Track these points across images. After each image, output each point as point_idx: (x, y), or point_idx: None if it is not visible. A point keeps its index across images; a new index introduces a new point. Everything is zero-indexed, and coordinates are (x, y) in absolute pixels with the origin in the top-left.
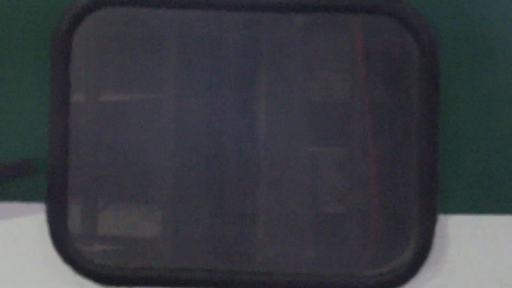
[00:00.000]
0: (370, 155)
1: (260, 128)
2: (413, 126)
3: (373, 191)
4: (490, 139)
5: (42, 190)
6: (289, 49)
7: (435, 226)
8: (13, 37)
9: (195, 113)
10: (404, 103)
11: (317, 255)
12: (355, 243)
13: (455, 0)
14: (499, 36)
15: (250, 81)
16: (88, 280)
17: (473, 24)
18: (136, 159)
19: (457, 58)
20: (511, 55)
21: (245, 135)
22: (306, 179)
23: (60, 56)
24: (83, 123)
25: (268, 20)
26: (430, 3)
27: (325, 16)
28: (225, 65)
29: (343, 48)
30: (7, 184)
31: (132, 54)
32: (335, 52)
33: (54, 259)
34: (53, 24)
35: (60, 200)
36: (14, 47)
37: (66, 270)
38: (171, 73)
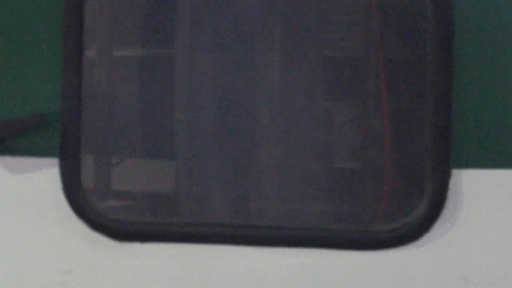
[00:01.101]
0: (384, 110)
1: (273, 83)
2: (427, 81)
3: (387, 146)
4: (504, 94)
5: (55, 145)
6: (303, 3)
7: (449, 180)
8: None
9: (209, 68)
10: (418, 59)
11: (331, 210)
12: (369, 198)
13: None
14: None
15: (263, 36)
16: (102, 235)
17: None
18: (149, 114)
19: (472, 13)
20: None
21: (259, 90)
22: (320, 134)
23: (73, 11)
24: (97, 78)
25: None
26: None
27: None
28: (238, 20)
29: (357, 2)
30: (20, 139)
31: (145, 8)
32: (349, 6)
33: (67, 214)
34: None
35: (73, 155)
36: (28, 2)
37: (79, 225)
38: (184, 28)
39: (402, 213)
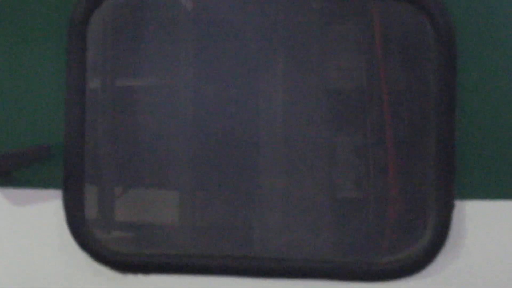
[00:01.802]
0: (388, 141)
1: (277, 114)
2: (431, 112)
3: (390, 177)
4: (507, 124)
5: (59, 176)
6: (307, 34)
7: (452, 212)
8: (30, 24)
9: (211, 98)
10: (421, 89)
11: (335, 241)
12: (372, 229)
13: None
14: None
15: (267, 67)
16: (105, 267)
17: (490, 8)
18: (152, 144)
19: (474, 43)
20: None
21: (263, 121)
22: (324, 165)
23: (76, 42)
24: (100, 108)
25: (285, 5)
26: None
27: (342, 1)
28: (242, 51)
29: (360, 33)
30: (25, 171)
31: (148, 39)
32: (352, 37)
33: (70, 245)
34: (70, 11)
35: (76, 186)
36: (32, 34)
37: (82, 257)
38: (187, 58)
39: (406, 244)
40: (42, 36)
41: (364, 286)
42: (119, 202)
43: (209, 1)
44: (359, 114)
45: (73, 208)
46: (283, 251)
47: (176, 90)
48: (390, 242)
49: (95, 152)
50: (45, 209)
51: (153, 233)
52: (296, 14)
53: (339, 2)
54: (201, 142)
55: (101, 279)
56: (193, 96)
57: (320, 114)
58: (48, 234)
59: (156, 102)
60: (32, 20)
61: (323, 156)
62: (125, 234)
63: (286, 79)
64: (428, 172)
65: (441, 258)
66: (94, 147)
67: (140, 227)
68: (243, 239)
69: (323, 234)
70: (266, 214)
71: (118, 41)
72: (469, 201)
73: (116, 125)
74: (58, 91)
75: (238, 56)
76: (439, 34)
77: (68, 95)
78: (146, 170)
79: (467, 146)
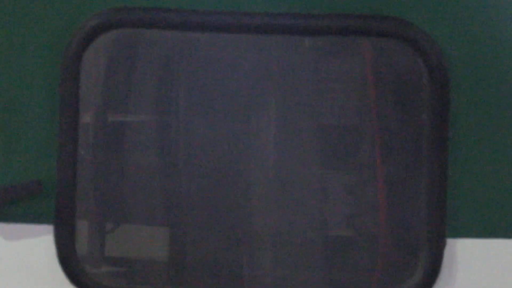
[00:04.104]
0: (379, 178)
1: (269, 150)
2: (423, 151)
3: (382, 214)
4: (499, 164)
5: (50, 211)
6: (299, 72)
7: (444, 249)
8: (23, 58)
9: (203, 135)
10: (413, 127)
11: (326, 278)
12: (364, 266)
13: (465, 23)
14: (509, 59)
15: (259, 103)
16: None
17: (483, 47)
18: (143, 180)
19: (467, 81)
20: None
21: (254, 158)
22: (315, 202)
23: (69, 77)
24: (92, 144)
25: (278, 43)
26: (440, 26)
27: (336, 39)
28: (234, 87)
29: (353, 70)
30: (16, 205)
31: (140, 75)
32: (345, 74)
33: (61, 280)
34: (63, 46)
35: (68, 222)
36: (25, 68)
37: None
38: (178, 94)
39: (397, 281)
40: (35, 71)
41: None
42: (110, 238)
43: (202, 39)
44: (351, 153)
45: (64, 243)
46: (276, 283)
47: (167, 127)
48: (381, 280)
49: (86, 188)
50: (36, 244)
51: (143, 268)
52: (290, 52)
53: (332, 40)
54: (191, 180)
55: None
56: (184, 133)
57: (312, 152)
58: (39, 269)
59: (147, 138)
60: (26, 55)
61: (314, 194)
62: (115, 269)
63: (279, 117)
64: (420, 210)
65: None
66: (86, 183)
67: (130, 262)
68: (233, 277)
69: (315, 271)
70: (257, 251)
71: (110, 76)
72: (460, 239)
73: (107, 161)
74: (51, 126)
75: (230, 94)
76: (433, 74)
77: (61, 130)
78: (137, 207)
79: (459, 184)
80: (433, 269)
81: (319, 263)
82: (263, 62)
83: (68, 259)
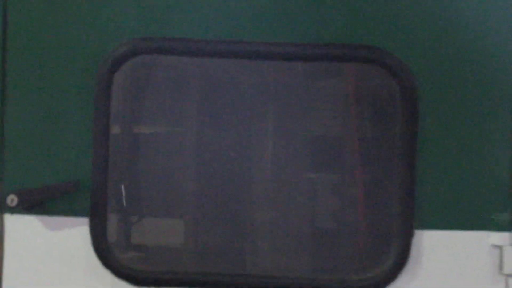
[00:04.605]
0: (358, 180)
1: (267, 157)
2: (395, 155)
3: (360, 210)
4: (460, 167)
5: (86, 206)
6: (293, 91)
7: (412, 239)
8: (64, 78)
9: (213, 144)
10: (387, 137)
11: (314, 262)
12: (345, 253)
13: (431, 50)
14: (469, 78)
15: (259, 118)
16: (124, 281)
17: (446, 69)
18: (163, 181)
19: (433, 97)
20: (478, 96)
21: (255, 163)
22: (305, 200)
23: (101, 95)
24: (120, 150)
25: (277, 66)
26: (411, 53)
27: (323, 64)
28: (239, 104)
29: (337, 90)
30: (58, 201)
31: (161, 93)
32: (330, 93)
33: (95, 264)
34: (97, 68)
35: (101, 215)
36: (65, 87)
37: (105, 274)
38: (193, 110)
39: (373, 265)
40: (74, 89)
41: None
42: (135, 228)
43: (212, 63)
44: (335, 158)
45: (97, 232)
46: (270, 270)
47: (182, 137)
48: (360, 264)
49: (116, 186)
50: (75, 234)
51: (162, 253)
52: (285, 74)
53: (320, 64)
54: (202, 180)
55: None
56: (197, 142)
57: (303, 158)
58: (77, 254)
59: (165, 146)
60: (66, 75)
61: (304, 193)
62: (139, 254)
63: (276, 129)
64: (392, 206)
65: (402, 278)
66: (115, 182)
67: (151, 248)
68: (236, 260)
69: (305, 256)
70: (256, 240)
71: (136, 95)
72: (426, 230)
73: (133, 164)
74: (87, 136)
75: (236, 110)
76: (404, 92)
77: (95, 139)
78: (157, 202)
79: (425, 183)
80: (403, 256)
81: (308, 250)
82: (263, 83)
83: (100, 246)
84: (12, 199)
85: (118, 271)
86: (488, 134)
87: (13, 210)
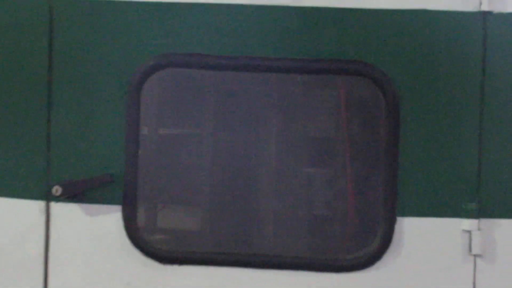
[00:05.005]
0: (349, 174)
1: (271, 154)
2: (380, 153)
3: (350, 200)
4: (435, 163)
5: (119, 196)
6: (293, 99)
7: (395, 225)
8: (100, 89)
9: (226, 143)
10: (373, 137)
11: (311, 244)
12: (338, 236)
13: (411, 63)
14: (441, 87)
15: (264, 121)
16: (151, 259)
17: (423, 80)
18: (184, 174)
19: (412, 104)
20: (449, 102)
21: (261, 159)
22: (303, 191)
23: (132, 102)
24: (148, 148)
25: (279, 78)
26: (393, 66)
27: (319, 76)
28: (248, 110)
29: (331, 98)
30: (95, 191)
31: (182, 100)
32: (325, 101)
33: (127, 244)
34: (129, 79)
35: (132, 203)
36: (101, 96)
37: (136, 253)
38: (208, 114)
39: (361, 247)
40: (109, 97)
41: (333, 275)
42: (160, 214)
43: (225, 76)
44: (328, 155)
45: (129, 218)
46: (274, 250)
47: (200, 137)
48: (350, 245)
49: (144, 179)
50: (109, 219)
51: (184, 236)
52: (286, 85)
53: (317, 76)
54: (217, 174)
55: (148, 269)
56: (212, 141)
57: (302, 156)
58: (111, 237)
59: (186, 145)
60: (103, 85)
61: (303, 185)
62: (164, 236)
63: (278, 132)
64: (378, 196)
65: (386, 258)
66: (144, 175)
67: (174, 231)
68: (245, 240)
69: (304, 239)
70: (262, 224)
71: (162, 101)
72: (407, 217)
73: (158, 160)
74: (120, 136)
75: (245, 115)
76: (387, 100)
77: (127, 138)
78: (179, 192)
79: (407, 178)
80: (387, 239)
81: (306, 233)
82: (268, 92)
83: (131, 229)
84: (56, 190)
85: (147, 251)
86: (458, 135)
87: (57, 199)
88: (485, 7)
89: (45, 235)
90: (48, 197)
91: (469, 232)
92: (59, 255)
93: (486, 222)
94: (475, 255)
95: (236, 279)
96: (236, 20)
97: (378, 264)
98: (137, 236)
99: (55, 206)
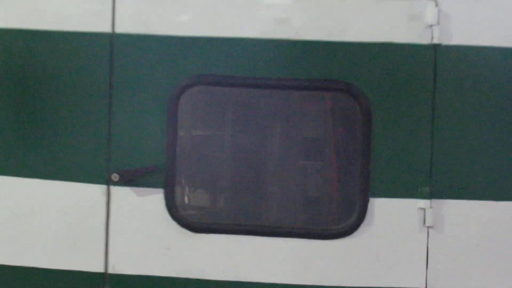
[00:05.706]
0: (334, 165)
1: (275, 150)
2: (357, 150)
3: (334, 184)
4: (397, 156)
5: (162, 181)
6: (292, 109)
7: (368, 204)
8: (148, 101)
9: (242, 142)
10: (352, 138)
11: (305, 217)
12: (326, 211)
13: (381, 82)
14: (401, 99)
15: (271, 126)
16: (185, 229)
17: (393, 95)
18: (210, 164)
19: (382, 114)
20: (407, 111)
21: (267, 154)
22: (300, 177)
23: (172, 111)
24: (184, 146)
25: (279, 94)
26: (367, 85)
27: (312, 92)
28: (258, 117)
29: (320, 108)
30: (144, 177)
31: (211, 110)
32: (316, 110)
33: (167, 218)
34: (169, 94)
35: (171, 187)
36: (148, 106)
37: (174, 224)
38: (229, 121)
39: (343, 219)
40: (155, 107)
41: (321, 242)
42: (192, 195)
43: (242, 92)
44: (319, 152)
45: (169, 198)
46: (277, 222)
47: (223, 138)
48: (335, 218)
49: (181, 169)
50: (154, 199)
51: (210, 211)
52: (288, 98)
53: (311, 92)
54: (236, 165)
55: (183, 236)
56: (232, 142)
57: (299, 154)
58: (155, 213)
59: (213, 144)
60: (151, 98)
61: (299, 174)
62: (196, 212)
63: (281, 133)
64: (354, 180)
65: (361, 229)
66: (180, 166)
67: (203, 208)
68: (256, 214)
69: (300, 213)
70: (269, 202)
71: (195, 110)
72: (377, 198)
73: (192, 154)
74: (163, 136)
75: (254, 123)
76: (362, 110)
77: (168, 139)
78: (207, 178)
79: (377, 167)
80: (361, 215)
81: (300, 210)
82: (271, 105)
83: (171, 207)
84: (115, 176)
85: (182, 223)
86: (415, 136)
87: (115, 184)
88: (435, 40)
89: (106, 212)
90: (108, 182)
91: (423, 209)
92: (117, 228)
93: (437, 202)
94: (428, 227)
95: (248, 244)
96: (250, 49)
97: (355, 234)
98: (175, 212)
99: (114, 189)
